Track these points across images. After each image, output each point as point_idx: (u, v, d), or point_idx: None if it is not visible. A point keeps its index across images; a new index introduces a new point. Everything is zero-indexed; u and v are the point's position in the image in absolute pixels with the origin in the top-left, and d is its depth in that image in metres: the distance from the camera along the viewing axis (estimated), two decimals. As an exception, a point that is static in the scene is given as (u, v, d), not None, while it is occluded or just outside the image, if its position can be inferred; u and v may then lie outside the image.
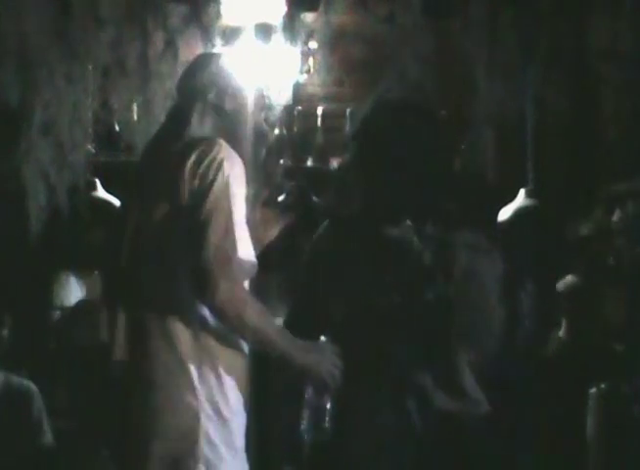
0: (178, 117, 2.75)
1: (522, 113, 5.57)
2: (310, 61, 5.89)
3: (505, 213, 5.43)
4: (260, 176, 2.82)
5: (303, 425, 2.66)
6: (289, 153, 5.69)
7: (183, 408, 2.54)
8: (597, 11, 5.54)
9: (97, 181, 5.51)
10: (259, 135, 2.75)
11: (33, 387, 4.47)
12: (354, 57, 5.97)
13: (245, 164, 2.65)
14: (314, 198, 2.92)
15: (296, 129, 5.81)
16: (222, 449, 2.56)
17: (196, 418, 2.53)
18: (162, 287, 2.57)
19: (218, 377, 2.57)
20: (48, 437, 4.46)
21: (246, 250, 2.53)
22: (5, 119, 5.32)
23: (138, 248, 2.65)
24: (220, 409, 2.56)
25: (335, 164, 5.84)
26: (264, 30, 5.53)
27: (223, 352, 2.58)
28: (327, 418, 2.64)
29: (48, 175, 5.34)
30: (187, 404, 2.53)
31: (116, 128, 5.69)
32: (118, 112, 5.65)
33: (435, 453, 2.88)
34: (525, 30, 5.58)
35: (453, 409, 2.87)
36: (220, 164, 2.54)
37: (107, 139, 5.69)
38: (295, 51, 5.77)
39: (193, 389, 2.54)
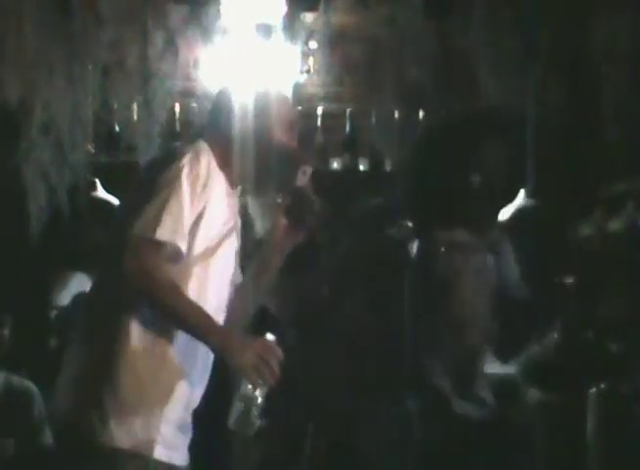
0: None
1: (522, 113, 5.57)
2: (310, 61, 5.89)
3: (505, 213, 5.43)
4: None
5: (232, 417, 2.63)
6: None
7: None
8: (597, 11, 5.55)
9: (97, 181, 5.50)
10: (285, 155, 2.76)
11: (33, 387, 4.47)
12: (354, 57, 5.97)
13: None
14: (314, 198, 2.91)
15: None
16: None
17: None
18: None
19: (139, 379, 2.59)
20: (48, 437, 4.45)
21: (171, 234, 2.53)
22: (5, 119, 5.32)
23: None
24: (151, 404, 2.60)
25: (335, 164, 5.84)
26: (264, 30, 5.53)
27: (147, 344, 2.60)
28: (256, 413, 2.60)
29: (48, 175, 5.35)
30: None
31: (116, 128, 5.68)
32: (118, 112, 5.65)
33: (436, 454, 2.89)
34: (525, 30, 5.58)
35: (469, 413, 2.89)
36: (180, 157, 2.58)
37: (107, 139, 5.68)
38: (295, 51, 5.76)
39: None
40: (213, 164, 2.64)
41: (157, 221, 2.51)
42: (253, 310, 2.86)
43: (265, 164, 2.72)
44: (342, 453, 3.09)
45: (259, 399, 2.54)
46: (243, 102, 2.74)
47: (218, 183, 2.66)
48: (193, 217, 2.58)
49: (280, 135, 2.76)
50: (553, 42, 5.59)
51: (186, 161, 2.57)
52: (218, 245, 2.66)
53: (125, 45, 5.55)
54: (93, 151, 5.63)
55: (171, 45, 5.63)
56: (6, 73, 5.26)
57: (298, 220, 2.74)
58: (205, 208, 2.60)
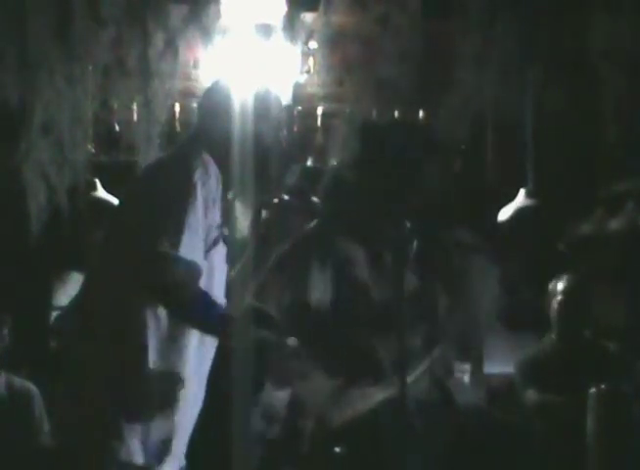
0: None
1: (522, 113, 5.57)
2: (310, 61, 5.90)
3: (505, 213, 5.43)
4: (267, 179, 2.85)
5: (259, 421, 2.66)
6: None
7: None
8: (597, 11, 5.55)
9: (97, 181, 5.51)
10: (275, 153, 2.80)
11: (34, 388, 4.47)
12: (354, 57, 5.96)
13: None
14: (313, 198, 2.91)
15: (296, 129, 5.80)
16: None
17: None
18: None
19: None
20: (48, 437, 4.45)
21: (193, 251, 2.63)
22: (5, 119, 5.32)
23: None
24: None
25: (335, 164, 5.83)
26: (264, 30, 5.53)
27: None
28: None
29: (48, 175, 5.34)
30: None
31: (116, 128, 5.69)
32: (118, 112, 5.65)
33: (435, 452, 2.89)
34: (524, 30, 5.58)
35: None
36: (191, 171, 2.65)
37: (107, 139, 5.69)
38: (295, 51, 5.77)
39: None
40: (218, 177, 2.69)
41: (179, 239, 2.58)
42: (240, 308, 2.91)
43: (257, 166, 2.77)
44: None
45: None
46: (234, 103, 2.79)
47: (219, 194, 2.72)
48: (206, 231, 2.67)
49: (270, 135, 2.80)
50: (553, 42, 5.59)
51: (198, 176, 2.64)
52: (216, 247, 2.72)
53: (125, 45, 5.56)
54: (93, 151, 5.63)
55: (171, 45, 5.63)
56: (6, 73, 5.26)
57: (280, 234, 2.82)
58: (213, 220, 2.69)
